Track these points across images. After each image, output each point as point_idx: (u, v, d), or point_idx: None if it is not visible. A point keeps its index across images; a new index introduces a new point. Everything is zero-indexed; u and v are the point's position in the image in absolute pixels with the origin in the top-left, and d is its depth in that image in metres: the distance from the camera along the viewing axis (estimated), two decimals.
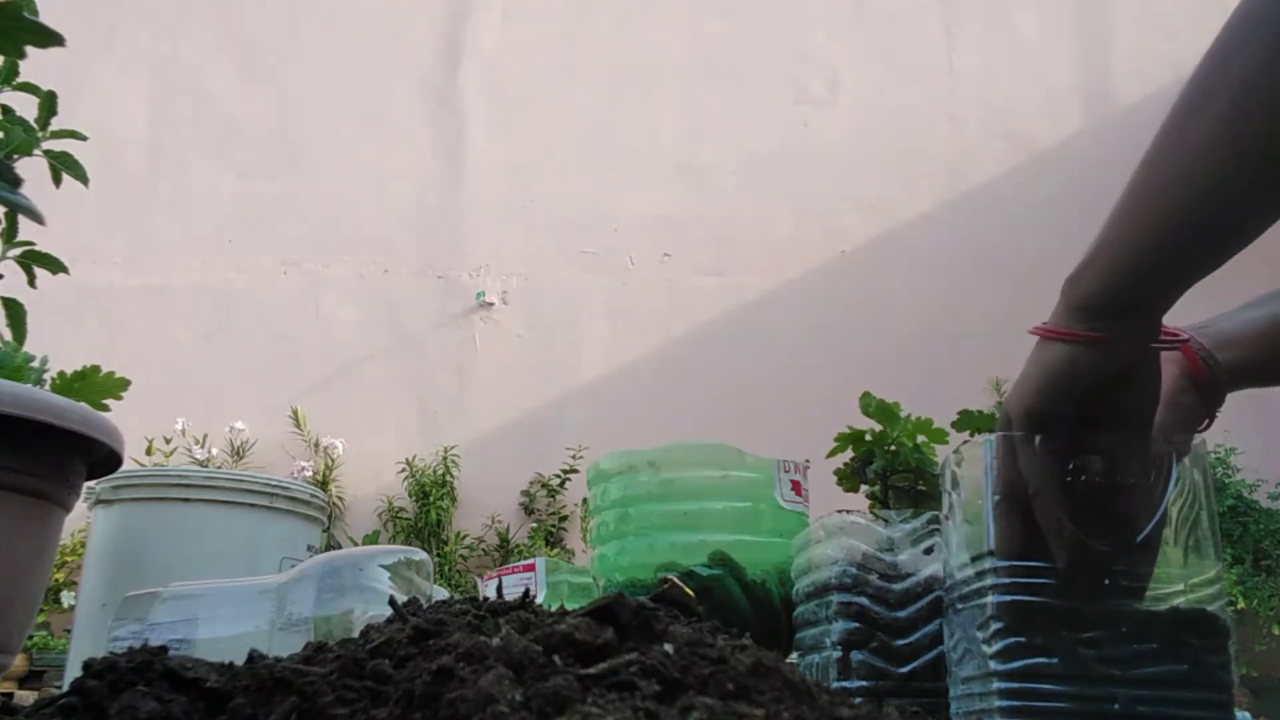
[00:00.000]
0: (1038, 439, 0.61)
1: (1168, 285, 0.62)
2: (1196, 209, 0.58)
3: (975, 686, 0.59)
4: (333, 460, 4.57)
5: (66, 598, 3.82)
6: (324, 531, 1.54)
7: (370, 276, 5.01)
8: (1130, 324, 0.63)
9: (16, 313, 0.88)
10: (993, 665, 0.57)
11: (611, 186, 5.04)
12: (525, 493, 4.61)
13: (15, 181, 0.80)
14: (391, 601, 0.37)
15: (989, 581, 0.59)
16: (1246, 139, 0.55)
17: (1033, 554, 0.59)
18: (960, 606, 0.63)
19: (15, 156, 0.84)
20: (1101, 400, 0.63)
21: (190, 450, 4.47)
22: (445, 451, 4.61)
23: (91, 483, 1.16)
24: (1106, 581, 0.58)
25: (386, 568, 0.79)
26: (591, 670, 0.30)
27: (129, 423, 0.84)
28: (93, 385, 0.85)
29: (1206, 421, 0.74)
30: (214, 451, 4.50)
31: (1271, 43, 0.54)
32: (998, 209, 4.82)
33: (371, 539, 4.43)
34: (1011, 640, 0.57)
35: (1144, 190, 0.60)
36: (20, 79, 0.86)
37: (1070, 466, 0.61)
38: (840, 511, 0.81)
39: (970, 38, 5.12)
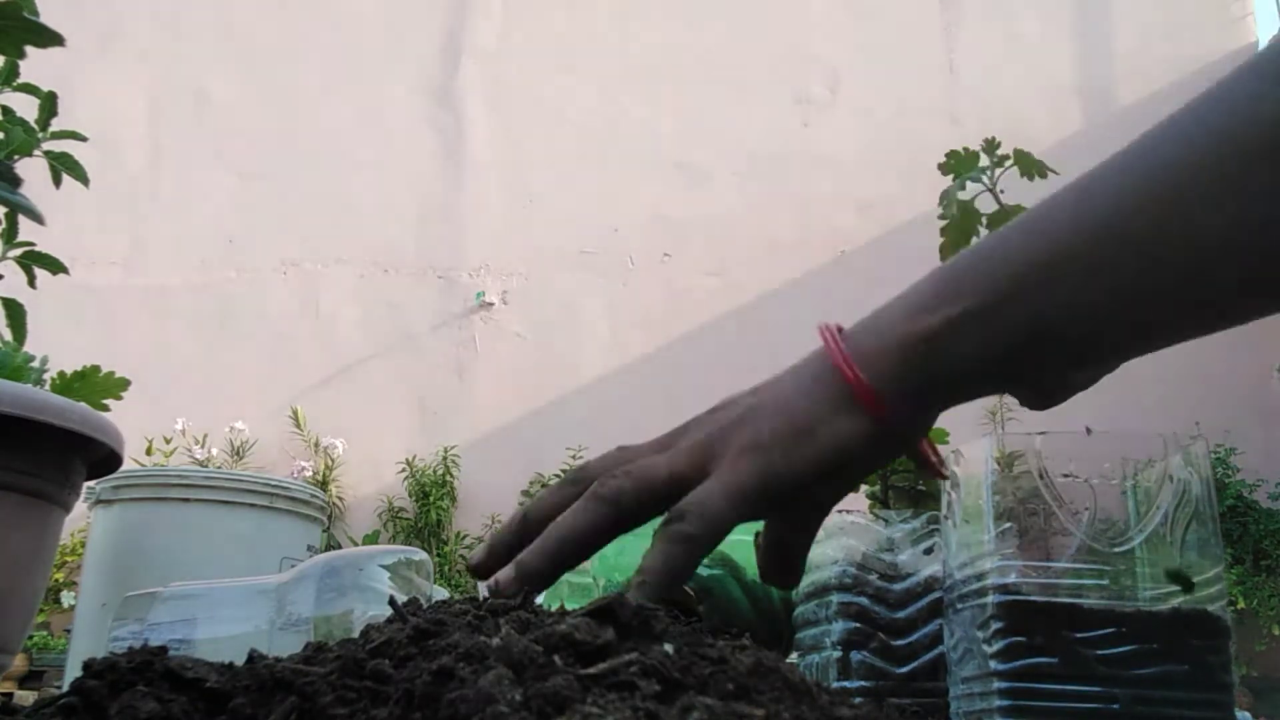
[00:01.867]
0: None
1: (1070, 364, 0.47)
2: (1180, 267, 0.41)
3: (975, 686, 0.59)
4: (333, 460, 4.57)
5: (66, 598, 3.83)
6: (324, 531, 1.54)
7: (370, 276, 5.01)
8: (934, 416, 0.49)
9: (16, 313, 0.89)
10: (993, 665, 0.57)
11: (611, 186, 5.04)
12: (525, 493, 4.61)
13: (15, 181, 0.80)
14: (391, 601, 0.37)
15: (989, 581, 0.59)
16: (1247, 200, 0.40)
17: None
18: (960, 606, 0.63)
19: (15, 157, 0.84)
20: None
21: (190, 450, 4.47)
22: (445, 451, 4.61)
23: (91, 483, 1.16)
24: None
25: (386, 568, 0.79)
26: (591, 670, 0.30)
27: (129, 423, 0.84)
28: (93, 385, 0.85)
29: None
30: (214, 451, 4.50)
31: None
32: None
33: (371, 539, 4.43)
34: (1011, 640, 0.57)
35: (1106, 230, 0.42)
36: (20, 79, 0.86)
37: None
38: (840, 511, 0.81)
39: (970, 38, 5.12)
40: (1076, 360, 0.47)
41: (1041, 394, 0.51)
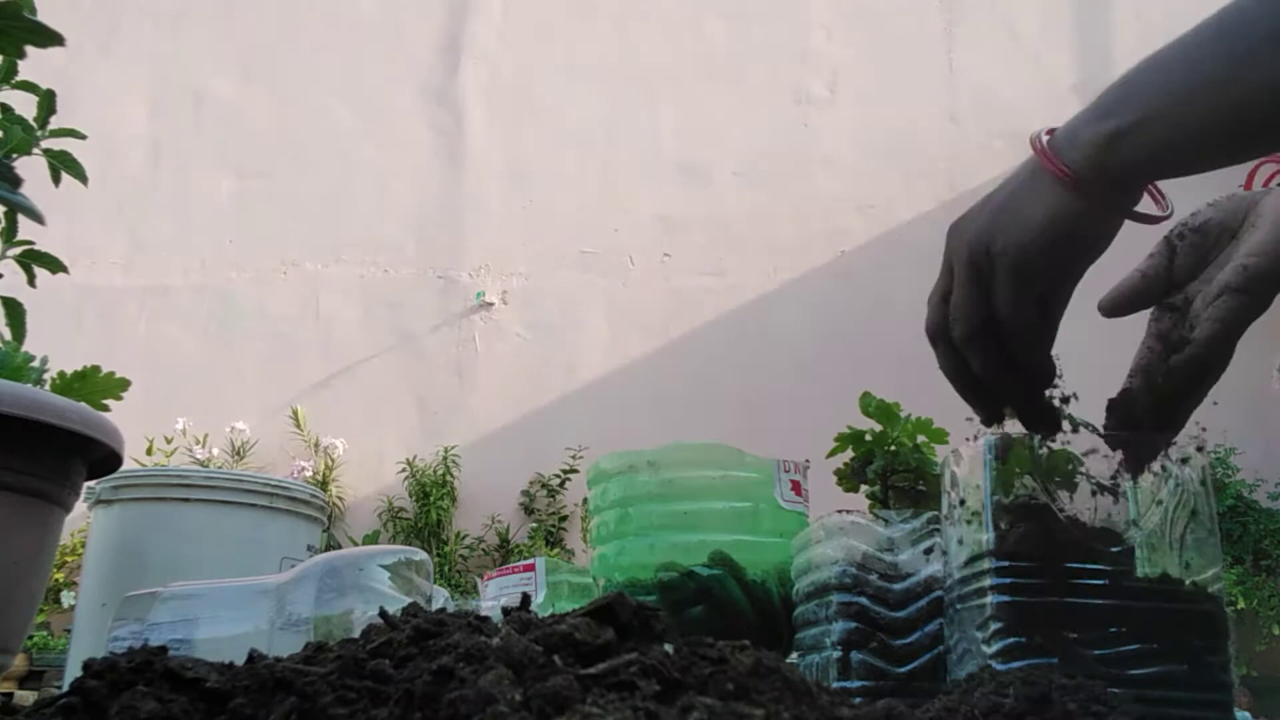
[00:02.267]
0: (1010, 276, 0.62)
1: (1197, 166, 0.61)
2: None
3: None
4: (333, 460, 4.57)
5: (66, 598, 3.82)
6: (324, 531, 1.54)
7: (370, 276, 5.01)
8: (1134, 196, 0.62)
9: (16, 312, 0.88)
10: (993, 665, 0.57)
11: (611, 186, 5.04)
12: (525, 493, 4.61)
13: (15, 181, 0.80)
14: (382, 612, 0.37)
15: (989, 582, 0.59)
16: None
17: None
18: (960, 606, 0.63)
19: (14, 155, 0.84)
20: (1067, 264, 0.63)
21: (190, 450, 4.47)
22: (445, 451, 4.61)
23: (91, 483, 1.16)
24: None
25: (386, 568, 0.79)
26: (591, 670, 0.30)
27: (129, 423, 0.84)
28: (93, 385, 0.85)
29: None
30: (214, 451, 4.50)
31: None
32: None
33: (371, 539, 4.43)
34: (1011, 640, 0.57)
35: (1213, 64, 0.59)
36: (20, 78, 0.86)
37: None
38: (840, 511, 0.81)
39: (970, 38, 5.12)
40: (1191, 166, 0.61)
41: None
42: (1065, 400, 0.66)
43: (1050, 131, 0.64)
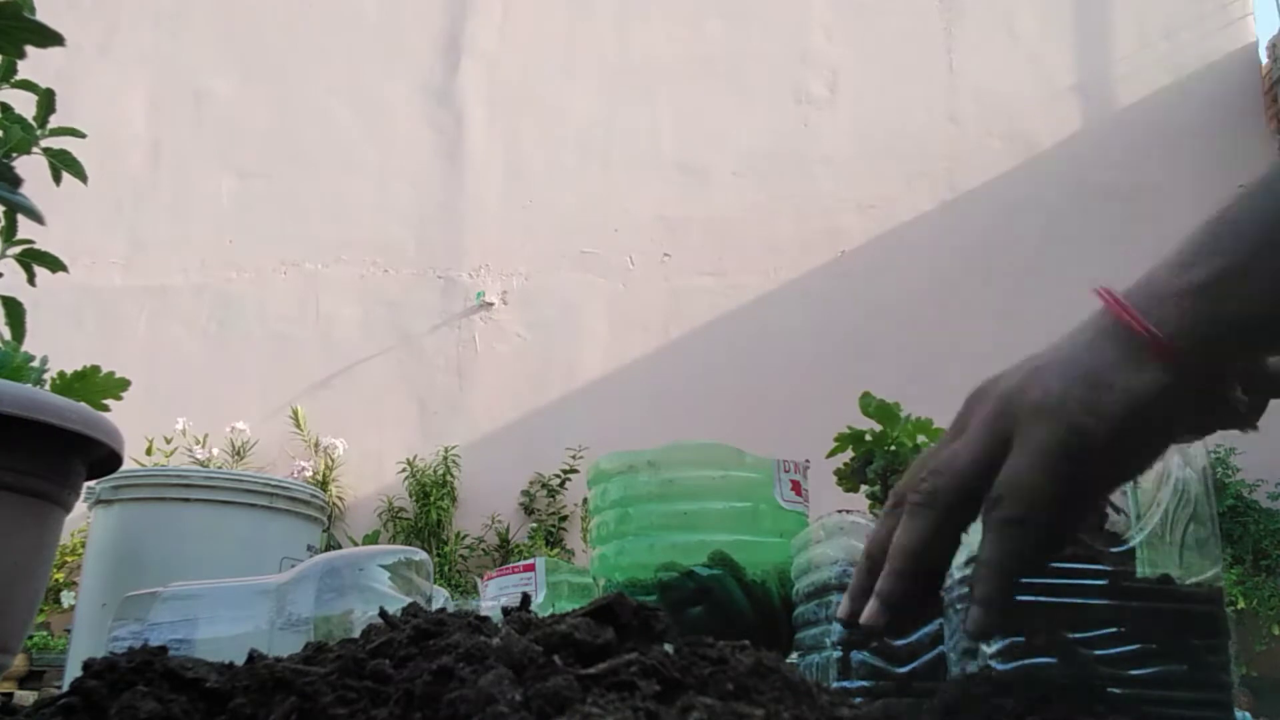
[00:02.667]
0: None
1: None
2: None
3: None
4: (333, 460, 4.57)
5: (66, 598, 3.82)
6: (324, 531, 1.54)
7: (370, 276, 5.01)
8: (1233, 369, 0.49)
9: (16, 312, 0.88)
10: (993, 665, 0.57)
11: (611, 186, 5.04)
12: (525, 493, 4.61)
13: (15, 181, 0.80)
14: (382, 612, 0.37)
15: None
16: None
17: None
18: (960, 606, 0.63)
19: (14, 155, 0.84)
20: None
21: (190, 450, 4.47)
22: (445, 451, 4.61)
23: (91, 483, 1.16)
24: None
25: (386, 568, 0.79)
26: (591, 670, 0.30)
27: (129, 423, 0.84)
28: (93, 385, 0.85)
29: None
30: (214, 451, 4.50)
31: None
32: (998, 209, 4.82)
33: (371, 539, 4.43)
34: (1011, 640, 0.56)
35: None
36: (19, 77, 0.86)
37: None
38: (840, 511, 0.80)
39: (970, 38, 5.12)
40: None
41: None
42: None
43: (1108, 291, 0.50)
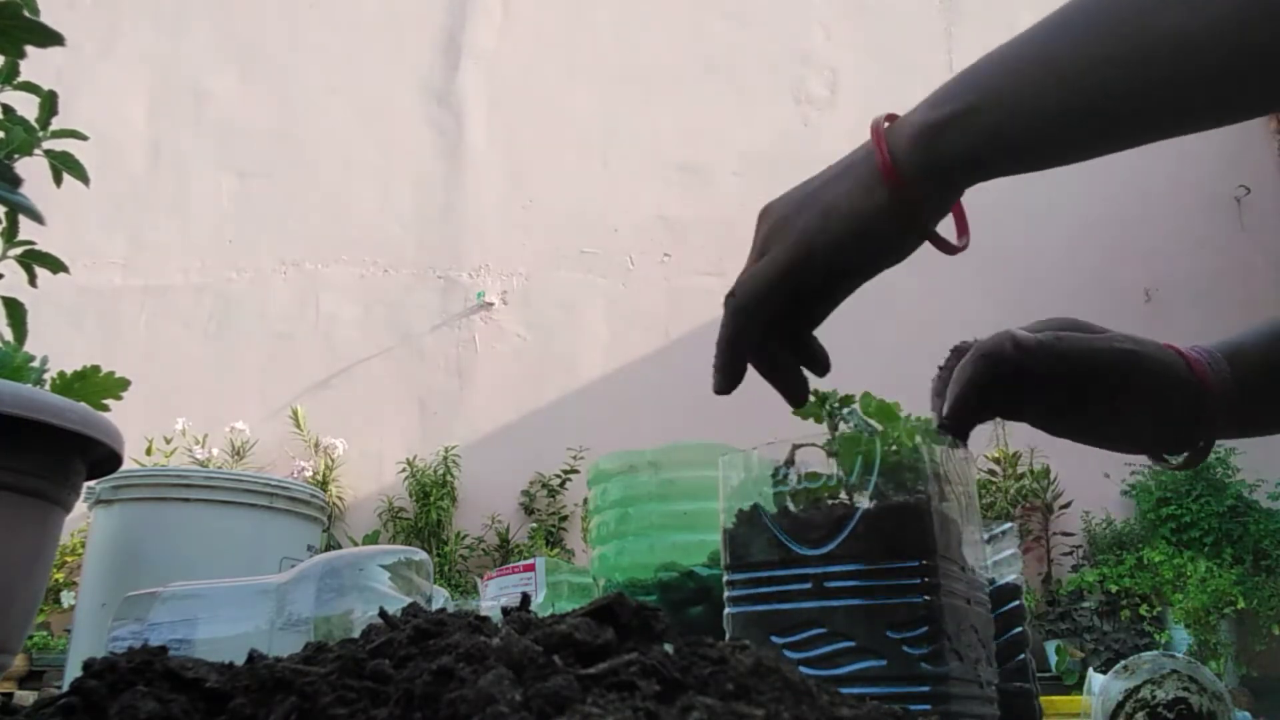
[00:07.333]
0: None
1: (1036, 162, 0.52)
2: (1146, 78, 0.46)
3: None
4: (333, 460, 4.57)
5: (66, 598, 3.83)
6: (324, 531, 1.54)
7: (370, 276, 5.01)
8: (951, 197, 0.55)
9: (16, 313, 0.88)
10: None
11: (611, 186, 5.04)
12: (525, 493, 4.61)
13: (15, 181, 0.80)
14: (382, 612, 0.37)
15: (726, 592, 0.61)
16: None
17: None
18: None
19: (15, 156, 0.84)
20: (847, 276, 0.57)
21: (190, 450, 4.47)
22: (445, 451, 4.61)
23: (91, 483, 1.16)
24: None
25: (386, 568, 0.79)
26: (591, 670, 0.30)
27: (129, 423, 0.84)
28: (93, 385, 0.85)
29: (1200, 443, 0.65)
30: (214, 451, 4.50)
31: None
32: (997, 209, 4.82)
33: (371, 539, 4.43)
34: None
35: (1070, 44, 0.48)
36: (20, 78, 0.86)
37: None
38: None
39: (970, 38, 5.13)
40: (1045, 155, 0.52)
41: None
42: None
43: (891, 117, 0.57)
